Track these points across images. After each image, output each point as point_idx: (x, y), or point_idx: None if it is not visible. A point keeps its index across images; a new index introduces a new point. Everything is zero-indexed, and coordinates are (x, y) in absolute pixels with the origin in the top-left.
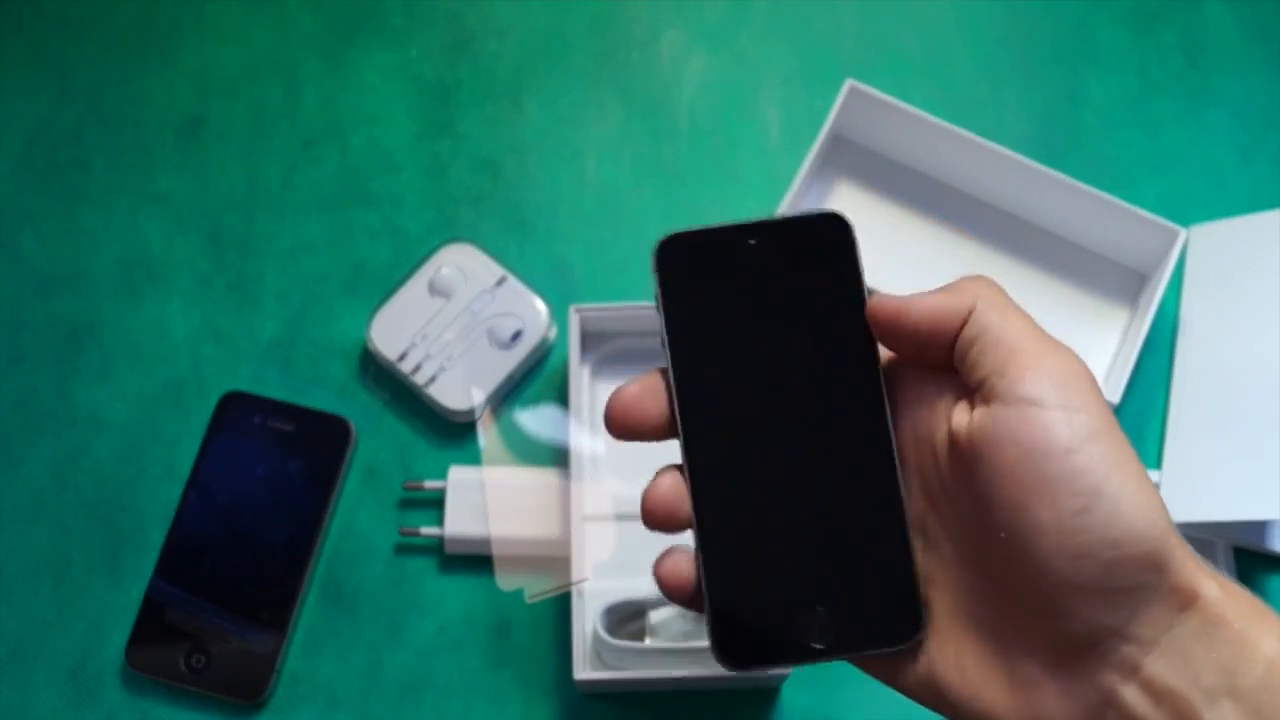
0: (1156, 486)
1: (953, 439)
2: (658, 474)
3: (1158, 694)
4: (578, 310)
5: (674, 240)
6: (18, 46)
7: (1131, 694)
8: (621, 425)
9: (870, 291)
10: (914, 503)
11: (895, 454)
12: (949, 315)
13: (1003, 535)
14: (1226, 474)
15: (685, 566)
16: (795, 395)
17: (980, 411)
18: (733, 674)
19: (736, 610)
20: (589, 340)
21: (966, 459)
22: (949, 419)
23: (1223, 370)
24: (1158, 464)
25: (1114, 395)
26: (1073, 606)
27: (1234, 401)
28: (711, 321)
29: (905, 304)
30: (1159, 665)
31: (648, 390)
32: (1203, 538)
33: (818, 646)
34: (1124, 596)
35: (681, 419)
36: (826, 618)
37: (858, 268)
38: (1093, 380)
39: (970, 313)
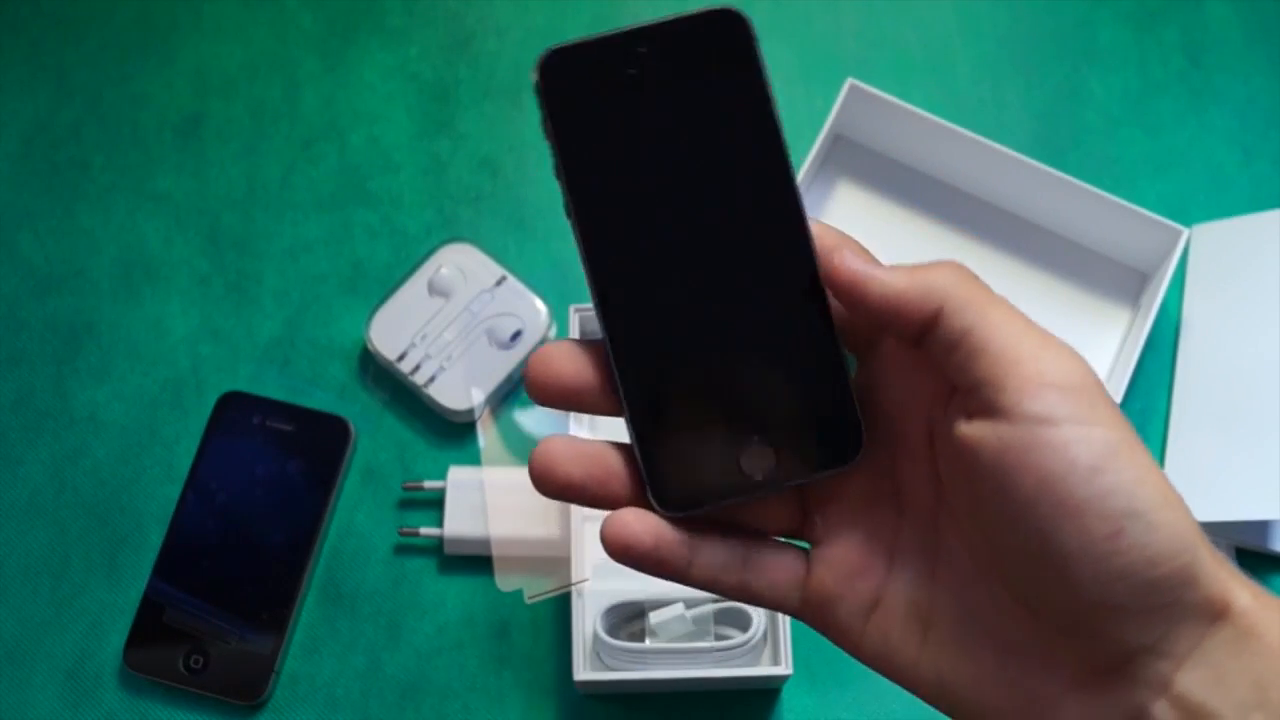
0: None
1: (957, 445)
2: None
3: (1189, 710)
4: (578, 310)
5: (557, 55)
6: (16, 45)
7: (1162, 710)
8: (540, 386)
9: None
10: (921, 494)
11: (819, 275)
12: (910, 309)
13: (1023, 558)
14: (1229, 474)
15: (634, 523)
16: (707, 216)
17: (983, 427)
18: (679, 516)
19: (670, 453)
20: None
21: (975, 475)
22: (946, 416)
23: (1225, 370)
24: (1160, 464)
25: (1116, 395)
26: (1105, 627)
27: (1236, 401)
28: (608, 142)
29: (864, 279)
30: (1190, 680)
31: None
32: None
33: (757, 478)
34: (1160, 614)
35: (587, 254)
36: (764, 448)
37: (759, 67)
38: (1099, 382)
39: (939, 312)
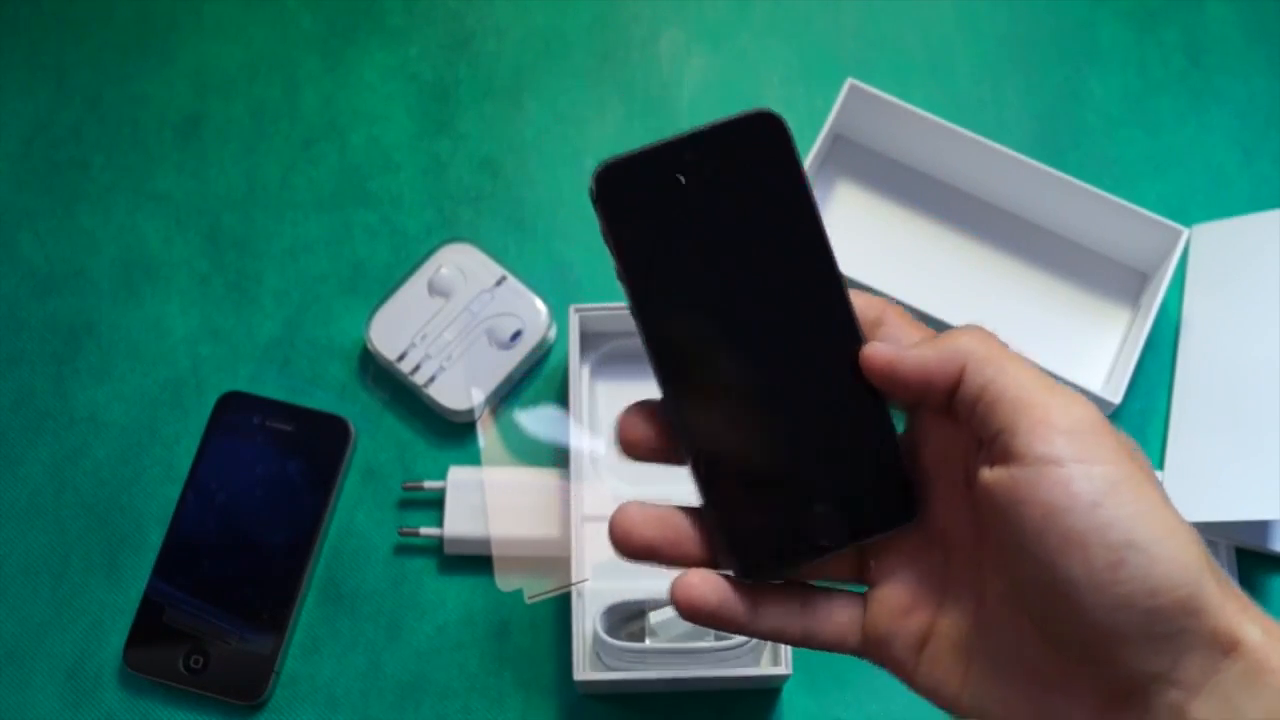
0: None
1: (981, 490)
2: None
3: None
4: (578, 310)
5: (611, 169)
6: (16, 45)
7: None
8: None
9: (865, 338)
10: (964, 537)
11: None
12: (937, 375)
13: (1037, 589)
14: (1229, 474)
15: (700, 584)
16: (762, 308)
17: (999, 471)
18: (751, 581)
19: (745, 528)
20: (589, 340)
21: (995, 514)
22: (975, 467)
23: (1225, 370)
24: (1160, 464)
25: (1115, 395)
26: (1115, 654)
27: (1236, 401)
28: (664, 245)
29: (896, 360)
30: (1205, 710)
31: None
32: (1205, 538)
33: (826, 544)
34: (1165, 643)
35: (653, 351)
36: (829, 515)
37: (797, 163)
38: (1106, 425)
39: (962, 372)
